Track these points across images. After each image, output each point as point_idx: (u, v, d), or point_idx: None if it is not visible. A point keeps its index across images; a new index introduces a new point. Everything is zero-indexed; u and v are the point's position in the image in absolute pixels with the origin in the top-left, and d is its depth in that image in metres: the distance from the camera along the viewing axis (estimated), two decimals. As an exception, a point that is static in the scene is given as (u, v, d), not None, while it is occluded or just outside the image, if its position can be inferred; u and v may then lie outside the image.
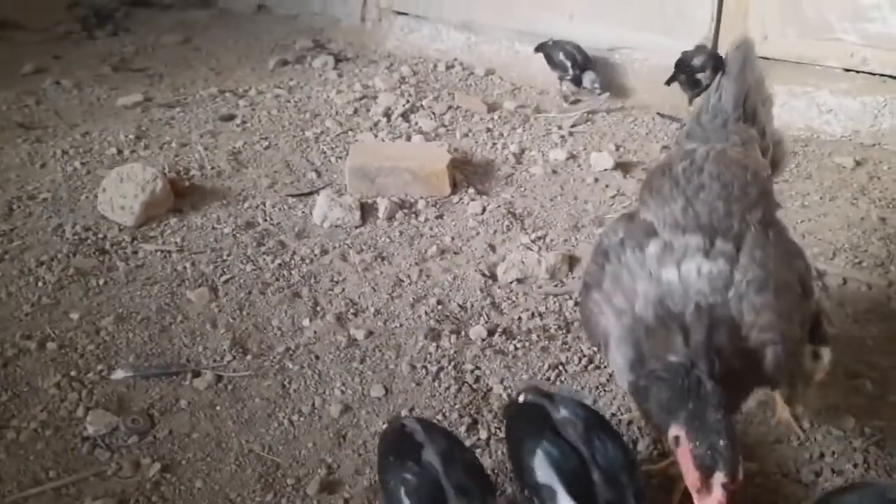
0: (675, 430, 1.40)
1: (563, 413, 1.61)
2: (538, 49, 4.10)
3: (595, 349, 1.95)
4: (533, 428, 1.59)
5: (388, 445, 1.70)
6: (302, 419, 2.07)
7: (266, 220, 2.96)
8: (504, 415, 1.88)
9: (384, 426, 1.97)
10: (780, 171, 1.96)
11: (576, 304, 2.49)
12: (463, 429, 2.02)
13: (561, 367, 2.23)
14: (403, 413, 2.08)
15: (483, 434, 2.02)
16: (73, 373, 2.18)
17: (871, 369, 2.20)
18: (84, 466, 1.92)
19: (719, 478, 1.33)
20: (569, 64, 3.93)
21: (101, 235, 2.80)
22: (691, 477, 1.36)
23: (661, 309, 1.48)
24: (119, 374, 2.19)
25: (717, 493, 1.33)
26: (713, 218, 1.57)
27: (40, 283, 2.54)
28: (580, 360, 2.25)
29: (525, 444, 1.57)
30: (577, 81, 3.94)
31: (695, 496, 1.37)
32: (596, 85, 3.88)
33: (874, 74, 3.55)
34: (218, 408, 2.09)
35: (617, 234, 1.67)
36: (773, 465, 1.89)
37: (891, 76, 3.52)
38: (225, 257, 2.73)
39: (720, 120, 1.80)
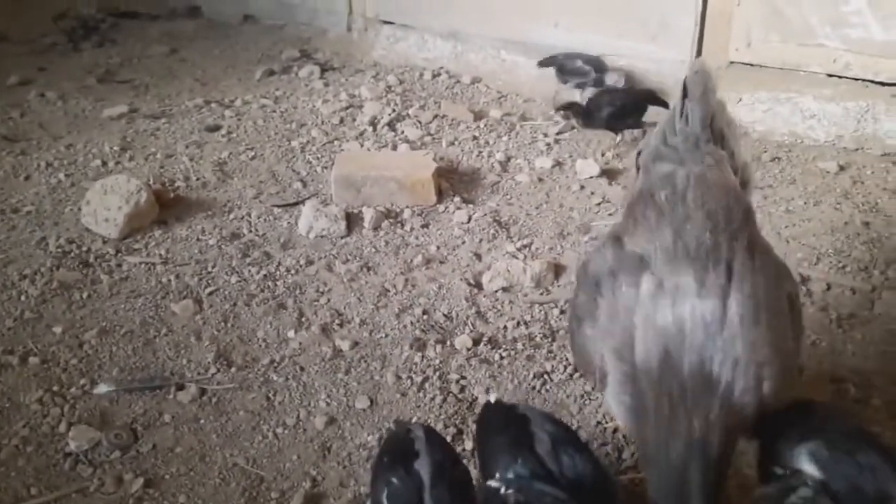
0: None
1: (534, 428, 1.62)
2: (545, 64, 4.07)
3: (588, 383, 1.92)
4: (510, 444, 1.60)
5: (387, 447, 1.71)
6: (286, 432, 2.06)
7: (251, 231, 2.96)
8: (480, 415, 1.88)
9: (389, 429, 1.97)
10: (749, 192, 1.97)
11: (561, 311, 2.49)
12: (448, 439, 2.01)
13: (546, 376, 2.23)
14: (413, 420, 2.08)
15: (468, 444, 2.02)
16: (55, 388, 2.17)
17: (855, 373, 2.21)
18: (66, 482, 1.91)
19: None
20: (589, 69, 3.94)
21: (84, 248, 2.79)
22: None
23: (658, 362, 1.50)
24: (102, 389, 2.17)
25: None
26: (701, 251, 1.58)
27: (23, 297, 2.52)
28: (565, 368, 2.25)
29: (498, 458, 1.58)
30: (599, 83, 3.93)
31: None
32: (622, 82, 3.91)
33: (857, 80, 3.57)
34: (202, 421, 2.09)
35: (606, 261, 1.67)
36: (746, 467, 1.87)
37: (873, 81, 3.54)
38: (210, 269, 2.72)
39: (692, 141, 1.80)
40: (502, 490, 1.51)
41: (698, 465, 1.47)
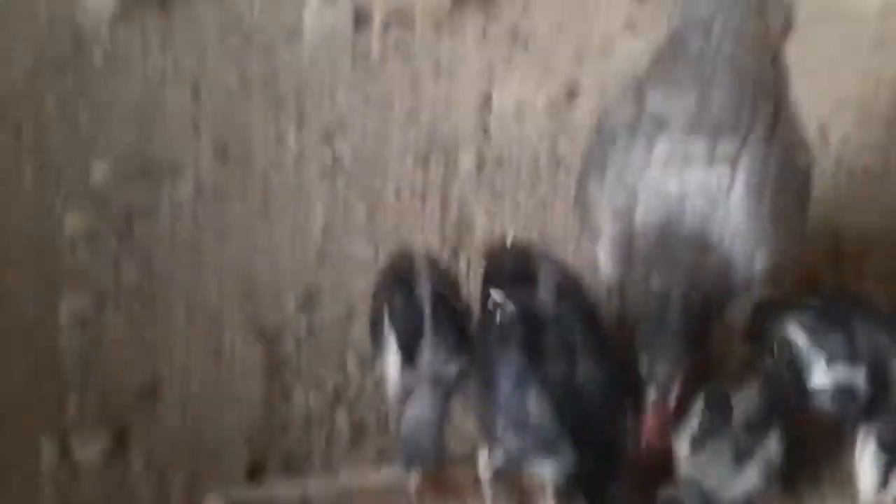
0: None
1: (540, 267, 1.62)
2: None
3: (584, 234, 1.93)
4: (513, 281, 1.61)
5: (389, 270, 1.72)
6: (283, 237, 2.07)
7: (254, 19, 2.78)
8: (487, 256, 1.88)
9: (391, 252, 1.98)
10: (787, 40, 1.85)
11: (570, 139, 2.43)
12: (444, 258, 2.04)
13: (548, 207, 2.22)
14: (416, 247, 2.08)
15: (462, 264, 2.04)
16: (50, 173, 2.14)
17: (856, 230, 2.21)
18: (62, 264, 1.93)
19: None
20: None
21: (76, 27, 2.60)
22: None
23: (657, 226, 1.47)
24: (98, 176, 2.15)
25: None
26: (723, 116, 1.50)
27: (13, 75, 2.42)
28: (567, 201, 2.22)
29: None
30: None
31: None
32: None
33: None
34: (199, 218, 2.09)
35: (625, 113, 1.60)
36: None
37: (938, -85, 3.25)
38: (208, 57, 2.59)
39: None
40: (508, 319, 1.52)
41: (679, 314, 1.47)
